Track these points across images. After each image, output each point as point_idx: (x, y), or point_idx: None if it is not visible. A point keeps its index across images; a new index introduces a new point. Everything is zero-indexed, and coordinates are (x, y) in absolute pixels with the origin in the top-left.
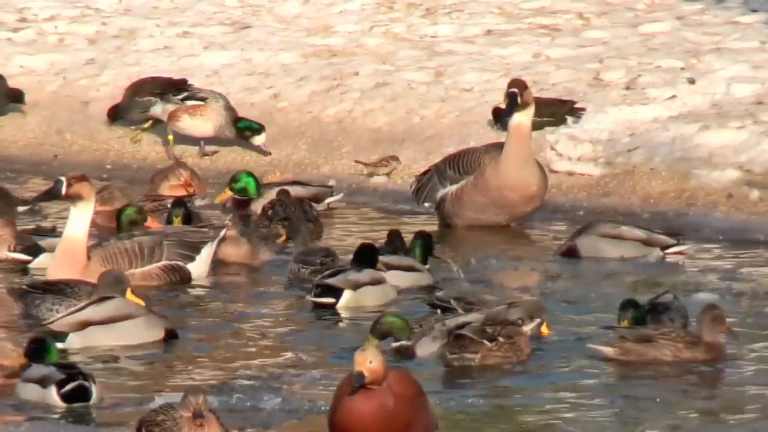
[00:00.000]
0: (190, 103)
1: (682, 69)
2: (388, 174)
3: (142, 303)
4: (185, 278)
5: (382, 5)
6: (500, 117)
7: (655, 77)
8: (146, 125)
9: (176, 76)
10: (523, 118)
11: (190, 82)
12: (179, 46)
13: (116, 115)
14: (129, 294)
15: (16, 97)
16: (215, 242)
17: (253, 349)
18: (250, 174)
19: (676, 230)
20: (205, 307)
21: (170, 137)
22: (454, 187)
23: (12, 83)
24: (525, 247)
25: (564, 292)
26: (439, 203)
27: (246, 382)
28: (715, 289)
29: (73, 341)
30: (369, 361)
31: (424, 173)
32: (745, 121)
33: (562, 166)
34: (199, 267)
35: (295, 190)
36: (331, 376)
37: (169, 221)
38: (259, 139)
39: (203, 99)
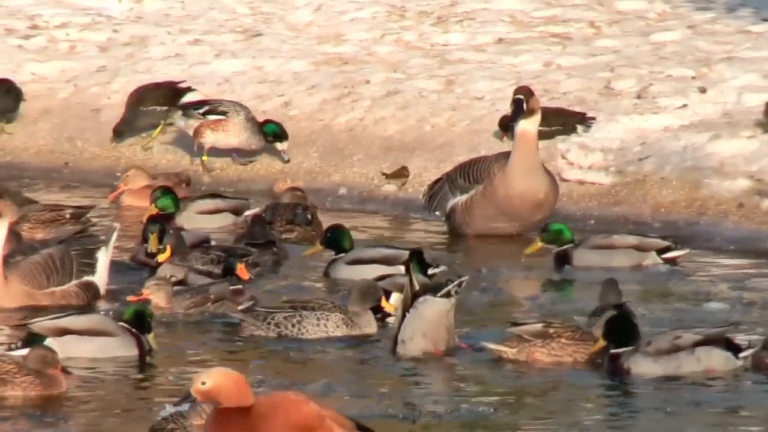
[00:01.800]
0: (211, 117)
1: (694, 78)
2: (402, 185)
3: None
4: (96, 294)
5: (393, 13)
6: (506, 125)
7: (666, 86)
8: (156, 132)
9: (184, 82)
10: (528, 126)
11: (195, 88)
12: (190, 54)
13: (122, 131)
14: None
15: (15, 95)
16: (109, 248)
17: (265, 357)
18: (167, 190)
19: (687, 239)
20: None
21: (204, 158)
22: (464, 197)
23: (23, 90)
24: (536, 256)
25: (574, 302)
26: (450, 213)
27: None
28: (726, 298)
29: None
30: (202, 381)
31: (436, 182)
32: (756, 131)
33: (572, 175)
34: (101, 278)
35: (215, 203)
36: (343, 384)
37: (144, 239)
38: (281, 146)
39: (224, 113)
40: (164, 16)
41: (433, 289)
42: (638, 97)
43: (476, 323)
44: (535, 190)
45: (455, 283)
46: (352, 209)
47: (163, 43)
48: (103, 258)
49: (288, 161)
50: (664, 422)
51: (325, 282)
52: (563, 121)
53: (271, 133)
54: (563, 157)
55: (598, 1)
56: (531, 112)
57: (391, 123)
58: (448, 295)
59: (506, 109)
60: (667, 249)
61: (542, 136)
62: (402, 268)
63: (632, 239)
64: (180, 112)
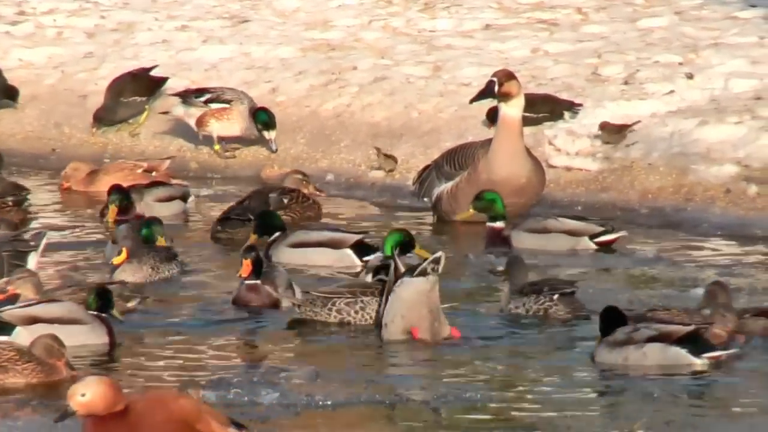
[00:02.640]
0: (215, 106)
1: (681, 64)
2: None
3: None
4: None
5: (380, 0)
6: (494, 115)
7: (654, 72)
8: (142, 118)
9: (156, 68)
10: (509, 110)
11: (168, 77)
12: (177, 40)
13: (101, 117)
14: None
15: (10, 94)
16: (38, 252)
17: (251, 344)
18: (119, 189)
19: (674, 225)
20: (201, 298)
21: (216, 147)
22: (449, 184)
23: (10, 76)
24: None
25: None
26: (436, 201)
27: (243, 377)
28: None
29: (21, 335)
30: (81, 393)
31: (425, 169)
32: (743, 117)
33: (560, 161)
34: None
35: (168, 191)
36: (331, 371)
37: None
38: (269, 134)
39: (228, 101)
40: (151, 2)
41: (410, 270)
42: (625, 83)
43: (466, 309)
44: (518, 175)
45: (429, 260)
46: (340, 195)
47: (150, 29)
48: (32, 262)
49: (276, 150)
50: (650, 409)
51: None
52: (551, 108)
53: (261, 121)
54: (550, 144)
55: None
56: (506, 96)
57: (378, 109)
58: (423, 273)
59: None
60: (602, 234)
61: (529, 122)
62: (348, 252)
63: (569, 224)
64: (179, 100)
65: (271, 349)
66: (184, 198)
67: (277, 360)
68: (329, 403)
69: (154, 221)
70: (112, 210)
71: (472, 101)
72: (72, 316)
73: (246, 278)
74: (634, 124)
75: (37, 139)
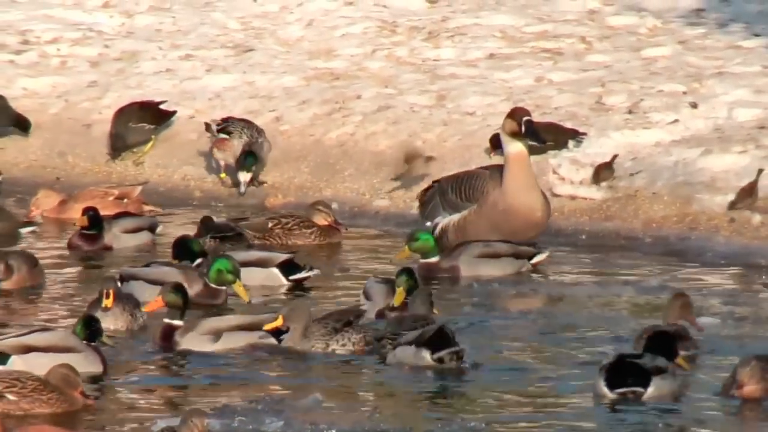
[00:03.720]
0: (221, 136)
1: (685, 93)
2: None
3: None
4: None
5: (384, 29)
6: (497, 144)
7: (658, 101)
8: (148, 147)
9: (165, 102)
10: (522, 146)
11: (176, 111)
12: (182, 69)
13: (118, 147)
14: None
15: (23, 125)
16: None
17: (255, 372)
18: (92, 210)
19: (678, 254)
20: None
21: (222, 175)
22: (455, 217)
23: (15, 105)
24: (527, 270)
25: (565, 316)
26: (441, 234)
27: (248, 405)
28: (717, 313)
29: (15, 363)
30: None
31: (427, 189)
32: (747, 146)
33: (564, 190)
34: None
35: (135, 222)
36: (334, 399)
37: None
38: (242, 176)
39: (230, 133)
40: (155, 31)
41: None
42: (629, 112)
43: (470, 341)
44: (533, 208)
45: (451, 350)
46: (344, 224)
47: (154, 58)
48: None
49: (243, 193)
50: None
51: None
52: (555, 137)
53: (240, 161)
54: (555, 173)
55: (590, 17)
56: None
57: (382, 138)
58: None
59: (498, 124)
60: (534, 255)
61: (534, 151)
62: (275, 270)
63: (509, 248)
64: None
65: (276, 377)
66: (152, 229)
67: (281, 387)
68: (333, 431)
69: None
70: (81, 219)
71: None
72: (65, 344)
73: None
74: (613, 159)
75: (41, 168)
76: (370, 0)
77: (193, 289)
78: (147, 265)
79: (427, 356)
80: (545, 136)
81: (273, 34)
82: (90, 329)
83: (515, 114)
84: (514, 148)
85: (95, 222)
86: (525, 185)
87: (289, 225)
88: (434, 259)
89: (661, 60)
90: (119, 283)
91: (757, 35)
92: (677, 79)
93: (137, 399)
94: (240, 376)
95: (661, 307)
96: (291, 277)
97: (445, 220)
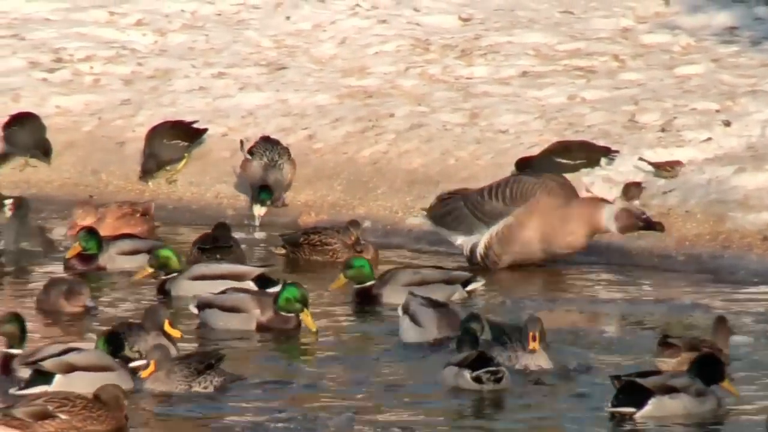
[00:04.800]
0: (246, 156)
1: (718, 111)
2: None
3: (180, 334)
4: None
5: (417, 47)
6: (523, 167)
7: (691, 119)
8: (181, 165)
9: (197, 122)
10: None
11: (207, 129)
12: (215, 87)
13: (150, 168)
14: (167, 326)
15: (44, 149)
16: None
17: (288, 390)
18: (91, 231)
19: (711, 272)
20: (239, 346)
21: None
22: (499, 226)
23: (48, 123)
24: (560, 289)
25: (597, 334)
26: (483, 250)
27: (279, 423)
28: (750, 332)
29: (60, 383)
30: None
31: (448, 198)
32: None
33: None
34: None
35: (134, 244)
36: (366, 417)
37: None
38: (256, 209)
39: (251, 153)
40: (188, 49)
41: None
42: (662, 130)
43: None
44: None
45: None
46: (377, 242)
47: (188, 76)
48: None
49: (257, 227)
50: None
51: None
52: (587, 155)
53: (256, 194)
54: (587, 191)
55: (623, 35)
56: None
57: (415, 156)
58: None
59: (531, 142)
60: (468, 281)
61: (566, 169)
62: (250, 284)
63: (440, 274)
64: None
65: (308, 394)
66: (151, 251)
67: (313, 405)
68: None
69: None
70: (74, 248)
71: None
72: (102, 363)
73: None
74: (640, 185)
75: (74, 186)
76: (403, 18)
77: (266, 315)
78: (223, 292)
79: (467, 375)
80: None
81: (306, 52)
82: (112, 345)
83: (632, 215)
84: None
85: (93, 241)
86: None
87: (314, 241)
88: (370, 284)
89: (694, 78)
90: (196, 311)
91: None
92: (710, 97)
93: (166, 418)
94: (271, 394)
95: (693, 326)
96: (267, 291)
97: (486, 236)
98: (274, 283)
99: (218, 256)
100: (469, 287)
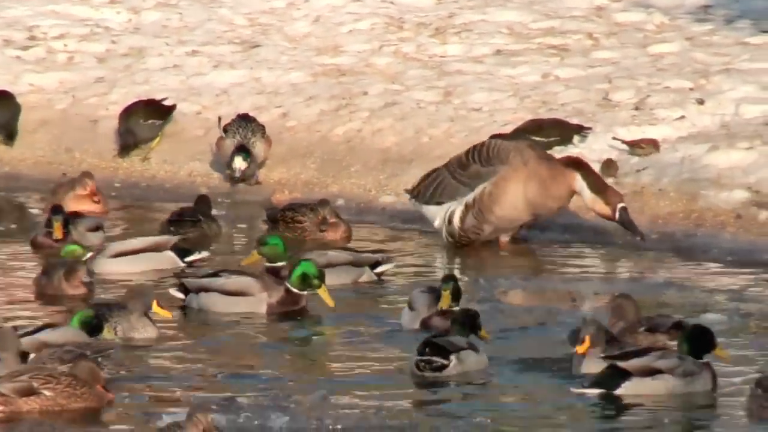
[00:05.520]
0: (221, 134)
1: (691, 90)
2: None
3: (170, 315)
4: None
5: (391, 25)
6: None
7: (664, 98)
8: (154, 143)
9: (182, 96)
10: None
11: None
12: (188, 65)
13: (126, 145)
14: (155, 306)
15: (10, 131)
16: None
17: (261, 367)
18: (58, 211)
19: (684, 250)
20: (211, 322)
21: (228, 171)
22: (473, 194)
23: (21, 101)
24: (533, 266)
25: (570, 312)
26: (460, 220)
27: (254, 400)
28: (723, 310)
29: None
30: None
31: (428, 175)
32: (754, 142)
33: None
34: None
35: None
36: (340, 394)
37: (48, 226)
38: (237, 161)
39: (225, 131)
40: (162, 27)
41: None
42: (636, 108)
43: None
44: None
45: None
46: (350, 220)
47: (161, 54)
48: None
49: (236, 178)
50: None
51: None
52: (560, 133)
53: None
54: None
55: (597, 13)
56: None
57: (388, 134)
58: None
59: (504, 120)
60: (378, 263)
61: (541, 147)
62: (170, 254)
63: (347, 255)
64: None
65: (282, 373)
66: (102, 227)
67: (287, 383)
68: (339, 427)
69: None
70: (58, 227)
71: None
72: (78, 341)
73: None
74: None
75: (48, 164)
76: None
77: (273, 297)
78: (215, 275)
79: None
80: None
81: (280, 31)
82: (90, 326)
83: (611, 198)
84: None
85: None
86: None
87: (287, 217)
88: (281, 264)
89: (668, 56)
90: (182, 295)
91: (764, 31)
92: (684, 75)
93: (143, 395)
94: (246, 372)
95: (665, 304)
96: (186, 259)
97: (461, 205)
98: (189, 253)
99: (178, 230)
100: (378, 269)
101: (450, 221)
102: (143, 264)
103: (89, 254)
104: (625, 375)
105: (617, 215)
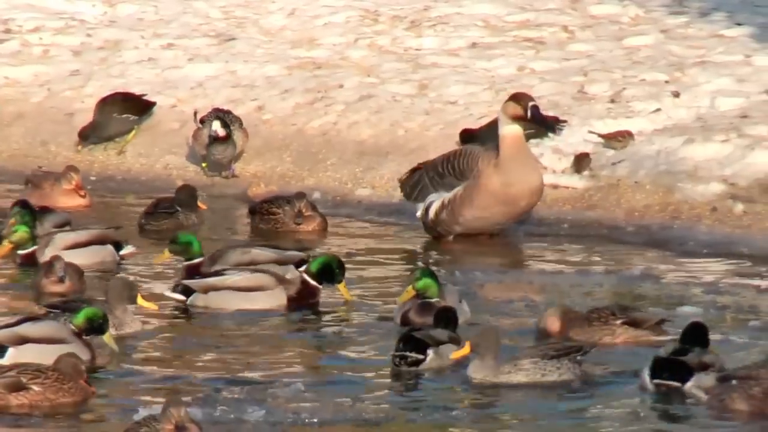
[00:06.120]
0: (197, 125)
1: (667, 82)
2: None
3: (155, 307)
4: None
5: (366, 18)
6: (467, 138)
7: (640, 90)
8: (130, 137)
9: (157, 89)
10: (519, 127)
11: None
12: (164, 58)
13: (87, 135)
14: (140, 299)
15: None
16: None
17: (237, 361)
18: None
19: (661, 243)
20: (188, 318)
21: (203, 165)
22: (449, 195)
23: None
24: (510, 260)
25: (547, 305)
26: (434, 215)
27: (230, 394)
28: (699, 302)
29: (12, 355)
30: None
31: (413, 171)
32: (729, 135)
33: (546, 179)
34: None
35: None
36: (316, 388)
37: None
38: (215, 124)
39: (202, 122)
40: (137, 20)
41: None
42: (612, 101)
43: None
44: (535, 179)
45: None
46: (327, 213)
47: (137, 47)
48: None
49: (214, 133)
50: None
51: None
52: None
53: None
54: (537, 161)
55: (572, 6)
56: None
57: (364, 127)
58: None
59: (480, 113)
60: (303, 262)
61: None
62: (110, 248)
63: (272, 253)
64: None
65: (258, 366)
66: (69, 224)
67: (263, 376)
68: (315, 420)
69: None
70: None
71: (548, 128)
72: (58, 336)
73: None
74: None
75: (23, 157)
76: None
77: (291, 290)
78: (219, 273)
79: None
80: (551, 123)
81: (255, 23)
82: (93, 325)
83: (520, 99)
84: (512, 129)
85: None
86: (524, 162)
87: (263, 210)
88: (198, 261)
89: (643, 49)
90: (182, 296)
91: (739, 24)
92: (659, 68)
93: (119, 389)
94: (222, 366)
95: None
96: (120, 253)
97: (438, 201)
98: (121, 247)
99: (151, 221)
100: (303, 268)
101: (427, 212)
102: (89, 257)
103: (34, 246)
104: (691, 371)
105: (528, 113)
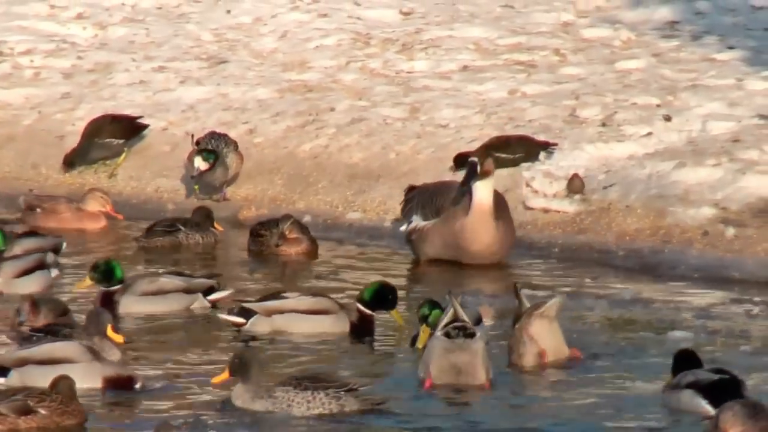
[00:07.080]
0: (193, 146)
1: (658, 106)
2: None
3: (121, 340)
4: None
5: (358, 41)
6: (460, 163)
7: (631, 114)
8: (120, 159)
9: (142, 118)
10: (484, 193)
11: (149, 124)
12: (155, 81)
13: (73, 161)
14: (109, 331)
15: None
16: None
17: (227, 385)
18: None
19: (652, 267)
20: (182, 339)
21: (195, 187)
22: (422, 224)
23: None
24: (501, 284)
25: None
26: (409, 234)
27: (220, 419)
28: (690, 327)
29: (14, 378)
30: None
31: (412, 188)
32: (720, 159)
33: (537, 203)
34: None
35: (29, 242)
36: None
37: None
38: (197, 161)
39: (198, 144)
40: (129, 43)
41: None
42: (603, 124)
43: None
44: (489, 244)
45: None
46: (317, 237)
47: (128, 70)
48: None
49: (193, 177)
50: None
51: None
52: (526, 149)
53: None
54: (528, 185)
55: (564, 29)
56: (485, 174)
57: (355, 150)
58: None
59: (471, 136)
60: (212, 290)
61: (506, 163)
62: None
63: (180, 282)
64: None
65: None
66: (56, 249)
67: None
68: None
69: None
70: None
71: (462, 186)
72: (62, 355)
73: None
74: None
75: (14, 180)
76: (344, 12)
77: (352, 316)
78: (275, 296)
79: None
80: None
81: (247, 46)
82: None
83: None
84: (476, 195)
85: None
86: (483, 228)
87: (254, 232)
88: (114, 288)
89: (635, 72)
90: (241, 319)
91: (731, 48)
92: (651, 91)
93: (109, 411)
94: (215, 390)
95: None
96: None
97: (414, 224)
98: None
99: (146, 239)
100: (212, 296)
101: (407, 230)
102: (34, 283)
103: None
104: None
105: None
